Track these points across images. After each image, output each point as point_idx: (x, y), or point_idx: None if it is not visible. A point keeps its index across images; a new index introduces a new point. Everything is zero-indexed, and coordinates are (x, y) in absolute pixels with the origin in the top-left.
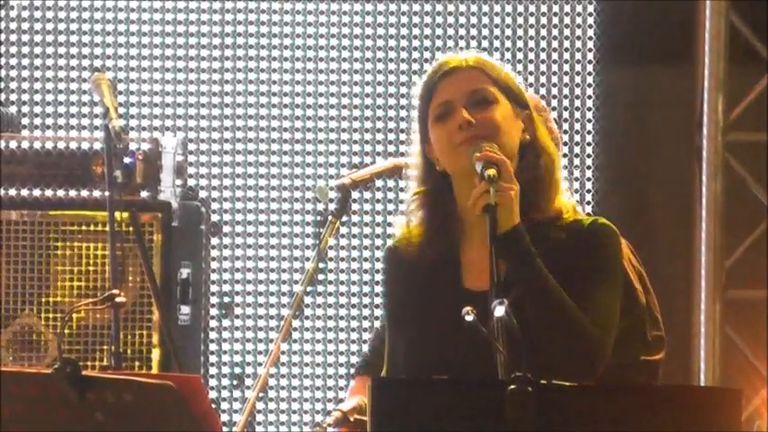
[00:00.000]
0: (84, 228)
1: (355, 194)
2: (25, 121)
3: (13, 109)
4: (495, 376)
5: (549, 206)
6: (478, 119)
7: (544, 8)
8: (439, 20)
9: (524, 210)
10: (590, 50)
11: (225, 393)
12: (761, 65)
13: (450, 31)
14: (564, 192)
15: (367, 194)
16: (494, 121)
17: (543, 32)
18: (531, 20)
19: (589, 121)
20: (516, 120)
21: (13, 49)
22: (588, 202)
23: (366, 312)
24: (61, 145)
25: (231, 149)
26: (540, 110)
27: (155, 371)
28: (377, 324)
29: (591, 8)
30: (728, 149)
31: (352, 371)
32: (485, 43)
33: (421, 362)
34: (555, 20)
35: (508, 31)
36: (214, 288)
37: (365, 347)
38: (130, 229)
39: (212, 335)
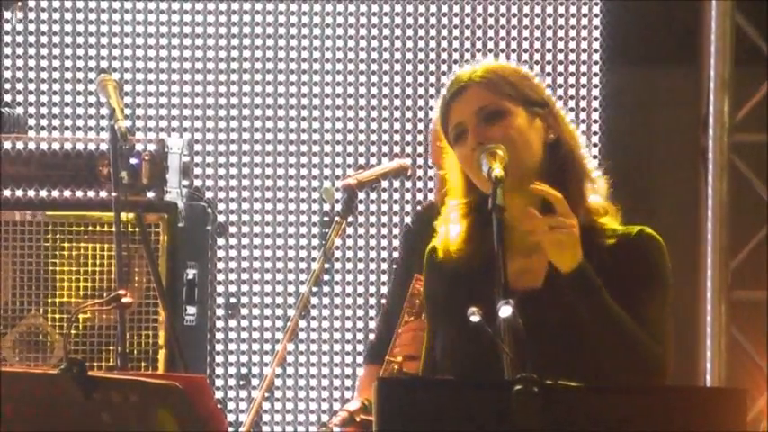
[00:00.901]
0: (89, 228)
1: (361, 195)
2: (31, 121)
3: (19, 110)
4: (500, 376)
5: (581, 202)
6: (488, 135)
7: (550, 9)
8: (444, 21)
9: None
10: (595, 51)
11: (231, 393)
12: (766, 66)
13: (456, 32)
14: (595, 181)
15: (373, 195)
16: (506, 134)
17: (549, 33)
18: (537, 21)
19: (595, 121)
20: (533, 124)
21: (20, 50)
22: None
23: (372, 313)
24: (67, 146)
25: (237, 150)
26: None
27: (161, 371)
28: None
29: (596, 9)
30: (734, 150)
31: (360, 359)
32: (490, 44)
33: (459, 359)
34: (560, 21)
35: (514, 32)
36: (220, 288)
37: (371, 335)
38: (136, 229)
39: (218, 335)
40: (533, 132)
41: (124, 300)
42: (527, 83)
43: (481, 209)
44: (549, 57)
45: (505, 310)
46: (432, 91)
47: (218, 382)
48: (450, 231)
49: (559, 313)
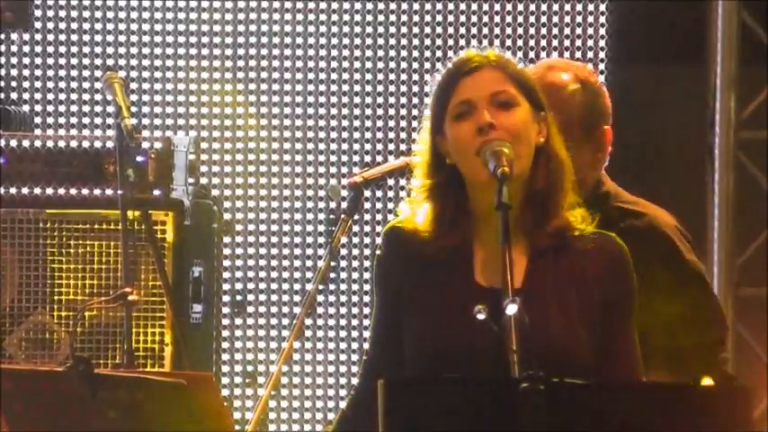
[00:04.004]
0: (96, 226)
1: (367, 193)
2: (38, 119)
3: (25, 107)
4: (506, 373)
5: (560, 213)
6: (499, 122)
7: (556, 7)
8: (451, 18)
9: (536, 217)
10: (602, 49)
11: (237, 391)
12: None
13: (462, 30)
14: (574, 198)
15: (379, 193)
16: (514, 125)
17: (555, 31)
18: (543, 18)
19: None
20: (534, 123)
21: (26, 48)
22: None
23: None
24: (73, 144)
25: (243, 148)
26: (591, 83)
27: (167, 369)
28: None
29: (603, 7)
30: (740, 147)
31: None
32: (496, 42)
33: (429, 353)
34: (567, 18)
35: (520, 30)
36: (226, 286)
37: None
38: (143, 227)
39: (224, 333)
40: (532, 131)
41: (130, 297)
42: (533, 83)
43: (447, 191)
44: (555, 54)
45: (512, 308)
46: None
47: (225, 380)
48: (417, 213)
49: (540, 314)
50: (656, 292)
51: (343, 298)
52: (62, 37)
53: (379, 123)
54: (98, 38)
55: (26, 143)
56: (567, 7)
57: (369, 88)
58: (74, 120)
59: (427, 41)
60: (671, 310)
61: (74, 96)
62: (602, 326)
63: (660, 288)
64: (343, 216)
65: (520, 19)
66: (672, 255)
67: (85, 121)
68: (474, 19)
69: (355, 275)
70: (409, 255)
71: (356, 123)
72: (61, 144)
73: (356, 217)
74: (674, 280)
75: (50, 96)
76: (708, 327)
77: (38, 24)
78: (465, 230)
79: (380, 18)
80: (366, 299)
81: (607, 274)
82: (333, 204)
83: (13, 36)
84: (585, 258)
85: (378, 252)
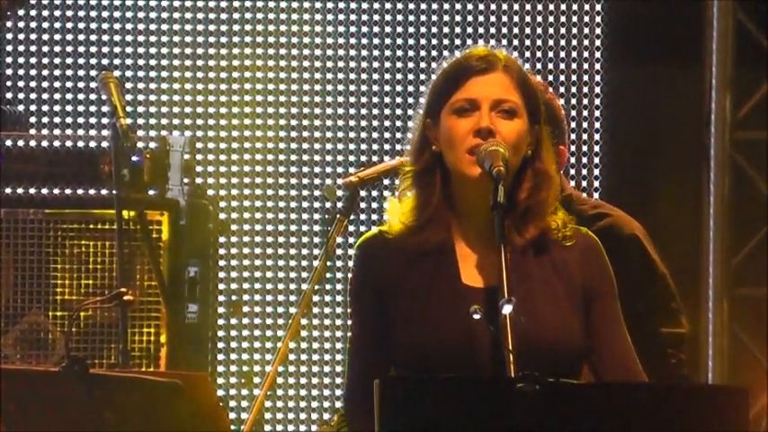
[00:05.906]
0: (91, 226)
1: (363, 193)
2: (33, 119)
3: (20, 107)
4: (501, 374)
5: (539, 223)
6: (497, 129)
7: (552, 7)
8: (446, 19)
9: (515, 224)
10: (597, 49)
11: (233, 391)
12: None
13: (458, 30)
14: (555, 205)
15: (374, 193)
16: (511, 135)
17: (551, 31)
18: (539, 18)
19: (597, 119)
20: (527, 136)
21: (22, 48)
22: None
23: None
24: (69, 143)
25: (239, 148)
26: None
27: (162, 369)
28: None
29: (598, 7)
30: (736, 148)
31: None
32: (492, 42)
33: (422, 354)
34: (562, 18)
35: (516, 30)
36: (222, 286)
37: None
38: (138, 227)
39: (220, 333)
40: (524, 144)
41: (126, 297)
42: (538, 94)
43: (430, 180)
44: (551, 54)
45: (507, 308)
46: None
47: (220, 380)
48: (402, 205)
49: (531, 304)
50: (621, 286)
51: (339, 298)
52: (57, 36)
53: (375, 123)
54: (93, 37)
55: (21, 143)
56: (563, 7)
57: (365, 88)
58: (69, 120)
59: (423, 41)
60: (634, 307)
61: (69, 96)
62: (592, 314)
63: (625, 283)
64: (338, 216)
65: (516, 19)
66: (637, 252)
67: (81, 120)
68: (470, 19)
69: (351, 276)
70: (388, 254)
71: (352, 123)
72: (56, 144)
73: (352, 217)
74: (640, 275)
75: (46, 96)
76: (668, 321)
77: (33, 24)
78: (447, 226)
79: (376, 18)
80: None
81: (586, 262)
82: (328, 204)
83: (8, 24)
84: (566, 252)
85: (352, 269)
